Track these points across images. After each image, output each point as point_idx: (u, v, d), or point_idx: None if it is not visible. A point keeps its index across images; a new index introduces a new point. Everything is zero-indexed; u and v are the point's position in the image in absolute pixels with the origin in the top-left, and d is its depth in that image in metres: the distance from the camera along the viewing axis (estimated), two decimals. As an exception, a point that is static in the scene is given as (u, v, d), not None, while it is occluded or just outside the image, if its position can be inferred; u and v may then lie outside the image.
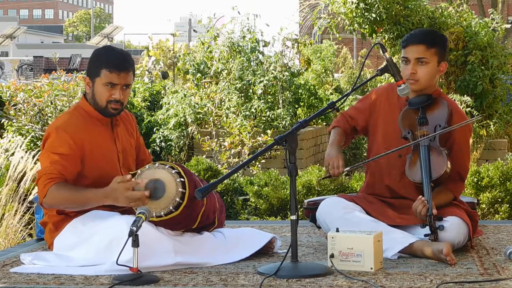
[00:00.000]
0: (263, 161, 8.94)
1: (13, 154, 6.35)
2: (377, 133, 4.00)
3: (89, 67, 3.70)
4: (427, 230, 3.61)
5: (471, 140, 8.08)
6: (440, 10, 8.48)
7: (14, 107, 9.27)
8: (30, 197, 5.69)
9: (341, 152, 3.90)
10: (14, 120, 9.07)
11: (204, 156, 7.97)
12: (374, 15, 8.25)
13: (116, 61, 3.64)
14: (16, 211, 5.67)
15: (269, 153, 8.97)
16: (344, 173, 3.89)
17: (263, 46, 10.06)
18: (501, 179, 5.90)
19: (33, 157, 6.04)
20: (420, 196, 3.65)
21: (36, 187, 4.51)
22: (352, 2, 8.32)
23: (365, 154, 4.23)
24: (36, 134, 8.75)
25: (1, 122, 9.25)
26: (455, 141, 3.87)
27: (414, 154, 3.82)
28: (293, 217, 3.34)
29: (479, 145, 8.33)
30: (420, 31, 4.08)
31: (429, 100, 3.87)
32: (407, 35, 3.93)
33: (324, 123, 10.92)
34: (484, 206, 5.83)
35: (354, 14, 8.37)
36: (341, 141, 4.01)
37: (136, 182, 3.42)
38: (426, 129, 3.82)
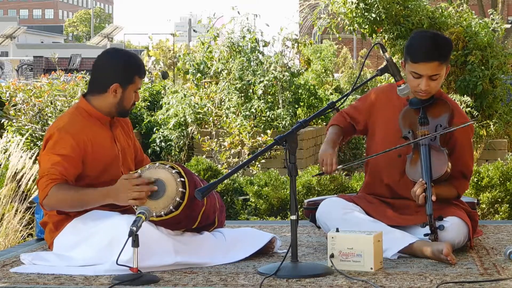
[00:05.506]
0: (263, 161, 8.94)
1: (8, 153, 6.34)
2: (376, 133, 3.99)
3: (119, 75, 3.65)
4: (427, 229, 3.60)
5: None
6: (440, 10, 8.48)
7: (14, 107, 9.27)
8: (31, 198, 5.68)
9: (335, 149, 3.89)
10: (14, 120, 9.07)
11: (204, 156, 7.96)
12: (374, 15, 8.25)
13: (144, 68, 3.78)
14: (16, 211, 5.66)
15: (269, 153, 8.97)
16: (337, 171, 3.89)
17: (263, 46, 10.07)
18: (501, 179, 5.90)
19: (32, 156, 6.04)
20: (420, 179, 3.65)
21: (36, 187, 4.50)
22: (352, 2, 8.32)
23: (364, 153, 4.21)
24: (36, 134, 8.74)
25: (1, 122, 9.25)
26: (457, 141, 3.86)
27: (414, 154, 3.80)
28: (293, 217, 3.34)
29: (479, 145, 8.33)
30: (430, 45, 3.75)
31: (430, 100, 3.87)
32: (416, 48, 3.71)
33: (324, 123, 10.92)
34: (484, 206, 5.82)
35: (354, 14, 8.38)
36: (337, 139, 4.00)
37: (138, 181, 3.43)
38: (427, 129, 3.81)
